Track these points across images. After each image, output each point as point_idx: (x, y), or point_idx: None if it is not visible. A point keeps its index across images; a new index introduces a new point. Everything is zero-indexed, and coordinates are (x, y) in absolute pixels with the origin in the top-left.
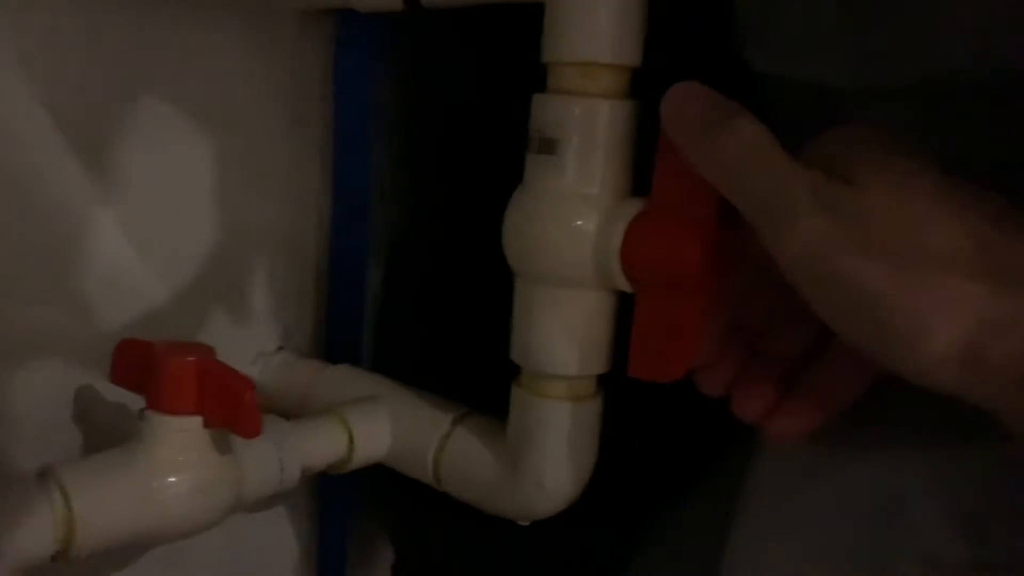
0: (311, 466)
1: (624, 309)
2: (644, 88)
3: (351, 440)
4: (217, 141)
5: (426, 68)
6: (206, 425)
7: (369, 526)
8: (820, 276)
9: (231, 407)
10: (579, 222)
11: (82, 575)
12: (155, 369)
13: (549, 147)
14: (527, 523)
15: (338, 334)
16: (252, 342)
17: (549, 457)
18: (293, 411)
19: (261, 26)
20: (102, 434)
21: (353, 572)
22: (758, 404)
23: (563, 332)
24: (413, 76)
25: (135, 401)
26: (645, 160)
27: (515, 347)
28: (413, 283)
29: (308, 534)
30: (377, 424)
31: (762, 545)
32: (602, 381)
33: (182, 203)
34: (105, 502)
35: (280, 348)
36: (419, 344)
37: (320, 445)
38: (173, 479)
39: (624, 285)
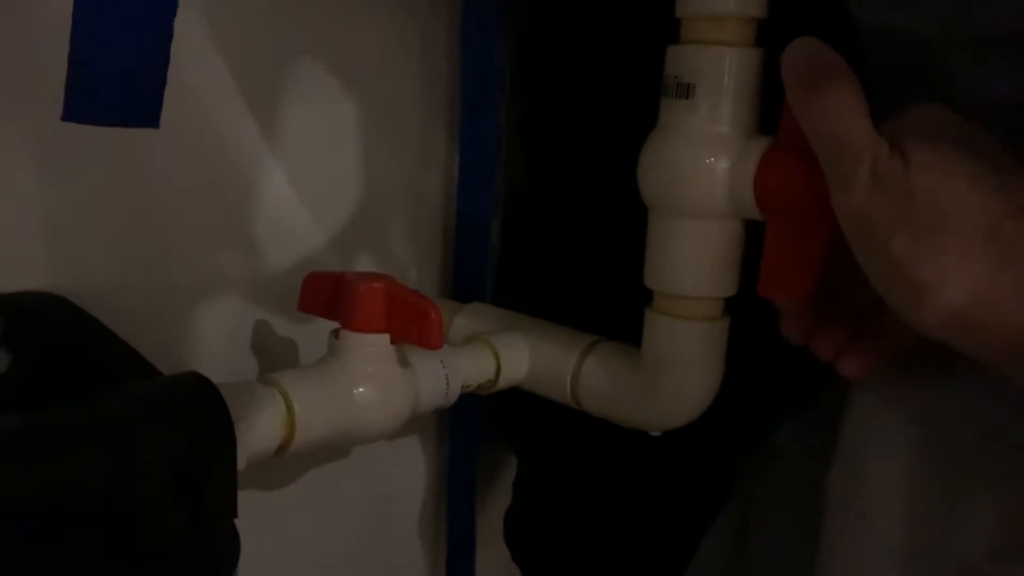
0: (467, 384)
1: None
2: (768, 37)
3: (498, 363)
4: (360, 102)
5: (544, 28)
6: (392, 341)
7: (494, 448)
8: (861, 235)
9: (418, 323)
10: (713, 158)
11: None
12: (348, 294)
13: (685, 92)
14: (659, 433)
15: (463, 279)
16: None
17: (683, 372)
18: None
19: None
20: (270, 359)
21: (480, 493)
22: (831, 345)
23: (697, 259)
24: (532, 37)
25: (293, 331)
26: (770, 102)
27: (650, 274)
28: (529, 232)
29: (437, 458)
30: (519, 350)
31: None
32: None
33: (333, 157)
34: (316, 405)
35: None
36: (534, 287)
37: (474, 366)
38: (367, 388)
39: (755, 214)
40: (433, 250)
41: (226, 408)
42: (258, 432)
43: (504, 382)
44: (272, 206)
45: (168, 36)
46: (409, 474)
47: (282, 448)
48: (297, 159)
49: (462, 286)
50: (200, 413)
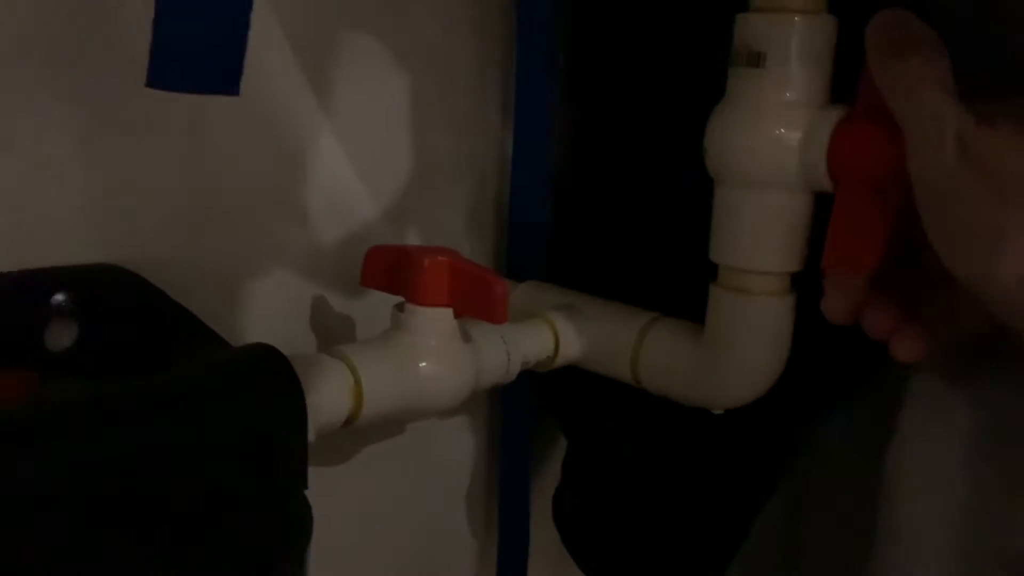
0: (527, 361)
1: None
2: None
3: (556, 340)
4: (415, 77)
5: (595, 3)
6: (456, 316)
7: (546, 427)
8: (939, 199)
9: (484, 297)
10: (785, 128)
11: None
12: (413, 268)
13: (756, 60)
14: (721, 411)
15: (516, 256)
16: None
17: (749, 349)
18: None
19: None
20: (325, 332)
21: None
22: (885, 322)
23: (765, 232)
24: (590, 9)
25: (347, 305)
26: (841, 71)
27: (716, 248)
28: (583, 208)
29: (489, 438)
30: (577, 327)
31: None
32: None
33: (388, 131)
34: (382, 378)
35: None
36: (588, 265)
37: (533, 343)
38: (431, 362)
39: (826, 185)
40: (485, 226)
41: (297, 379)
42: (327, 404)
43: (562, 359)
44: (328, 180)
45: (250, 2)
46: (461, 453)
47: (349, 420)
48: (353, 133)
49: (514, 263)
50: (272, 384)
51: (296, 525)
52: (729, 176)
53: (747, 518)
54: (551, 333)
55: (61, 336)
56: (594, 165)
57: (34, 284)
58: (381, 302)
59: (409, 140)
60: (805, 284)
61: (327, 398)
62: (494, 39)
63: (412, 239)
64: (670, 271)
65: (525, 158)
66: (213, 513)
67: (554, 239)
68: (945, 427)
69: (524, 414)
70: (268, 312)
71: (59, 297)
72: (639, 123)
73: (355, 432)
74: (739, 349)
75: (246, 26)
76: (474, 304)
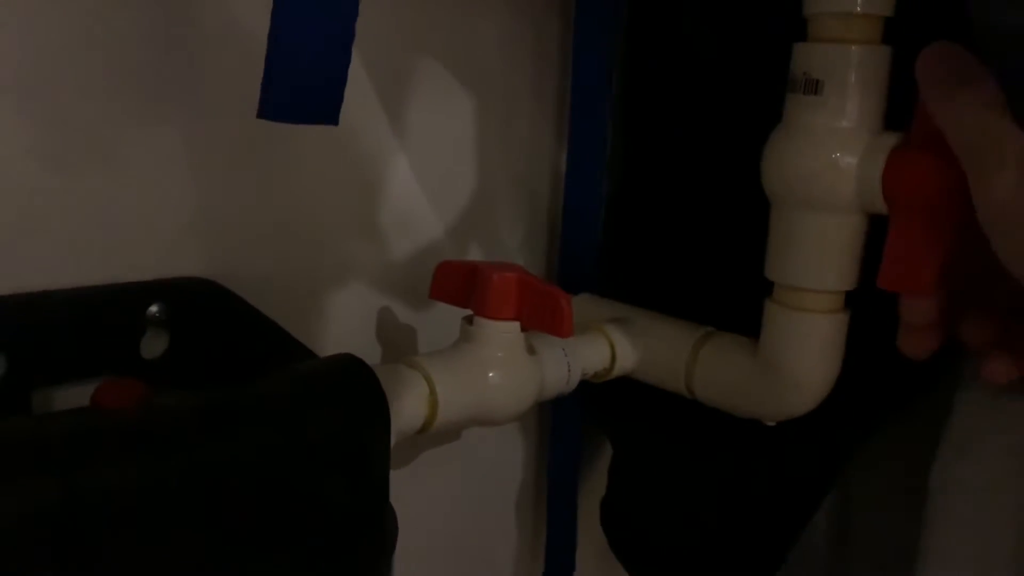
0: (585, 372)
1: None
2: (895, 36)
3: (613, 352)
4: (477, 98)
5: (662, 25)
6: (522, 329)
7: (593, 434)
8: (1006, 226)
9: (550, 312)
10: (841, 153)
11: None
12: (482, 283)
13: (814, 88)
14: (773, 423)
15: (569, 271)
16: None
17: (803, 364)
18: None
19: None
20: (393, 344)
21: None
22: (980, 336)
23: (820, 252)
24: (647, 33)
25: (413, 318)
26: (896, 99)
27: (772, 266)
28: (636, 225)
29: (538, 444)
30: (632, 339)
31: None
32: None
33: (454, 154)
34: (454, 388)
35: None
36: (640, 280)
37: (592, 355)
38: (498, 373)
39: (881, 208)
40: (539, 241)
41: (382, 389)
42: (405, 412)
43: (618, 371)
44: (397, 198)
45: (351, 36)
46: (511, 458)
47: (424, 428)
48: (423, 155)
49: (566, 277)
50: (360, 393)
51: (384, 529)
52: (786, 198)
53: (796, 528)
54: (608, 345)
55: (155, 345)
56: (647, 183)
57: (132, 296)
58: (442, 315)
59: (472, 161)
60: (858, 301)
61: (406, 407)
62: (551, 65)
63: (473, 254)
64: (723, 286)
65: (578, 177)
66: (307, 523)
67: (608, 254)
68: (994, 444)
69: (573, 421)
70: (342, 324)
71: (154, 308)
72: (694, 145)
73: (417, 439)
74: (793, 363)
75: (348, 62)
76: (541, 318)
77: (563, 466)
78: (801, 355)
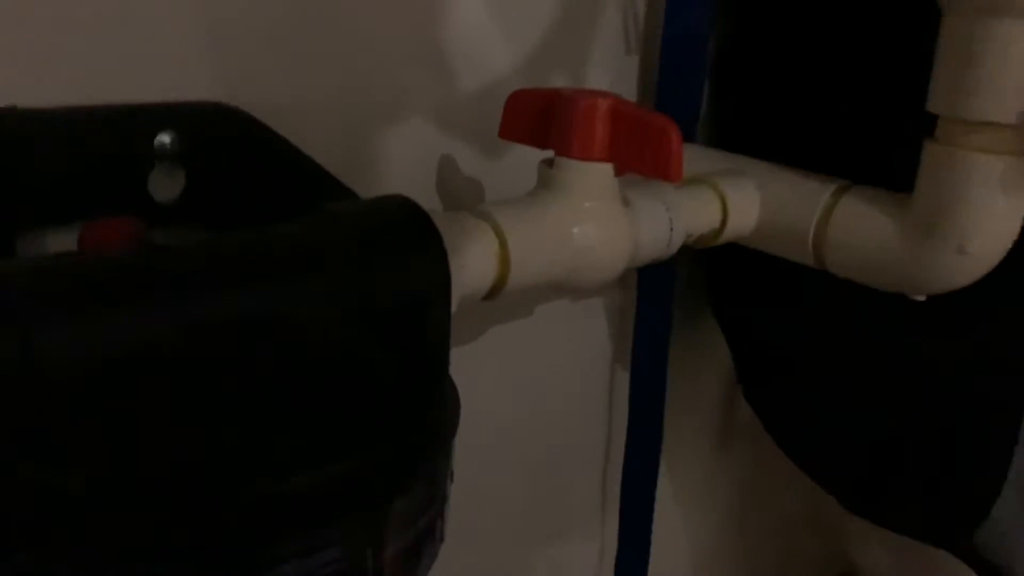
0: (690, 234)
1: None
2: None
3: (725, 211)
4: None
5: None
6: (617, 173)
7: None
8: None
9: (654, 148)
10: None
11: None
12: (565, 113)
13: None
14: (923, 298)
15: (669, 111)
16: None
17: (974, 218)
18: None
19: None
20: (454, 191)
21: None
22: None
23: (1006, 72)
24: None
25: (478, 163)
26: None
27: (937, 94)
28: (752, 52)
29: (619, 323)
30: (748, 196)
31: None
32: None
33: None
34: (531, 244)
35: None
36: (757, 122)
37: (699, 213)
38: (586, 227)
39: None
40: (629, 79)
41: (441, 239)
42: (470, 270)
43: (730, 233)
44: (459, 24)
45: None
46: (592, 338)
47: (494, 290)
48: None
49: None
50: (414, 242)
51: (441, 411)
52: (960, 1)
53: (1007, 444)
54: (719, 202)
55: (167, 185)
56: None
57: (136, 120)
58: (515, 159)
59: None
60: None
61: (471, 264)
62: None
63: None
64: (861, 129)
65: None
66: (347, 393)
67: (718, 91)
68: None
69: (663, 297)
70: (390, 168)
71: (164, 138)
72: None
73: (484, 309)
74: (961, 221)
75: None
76: (642, 157)
77: (650, 347)
78: (968, 210)
